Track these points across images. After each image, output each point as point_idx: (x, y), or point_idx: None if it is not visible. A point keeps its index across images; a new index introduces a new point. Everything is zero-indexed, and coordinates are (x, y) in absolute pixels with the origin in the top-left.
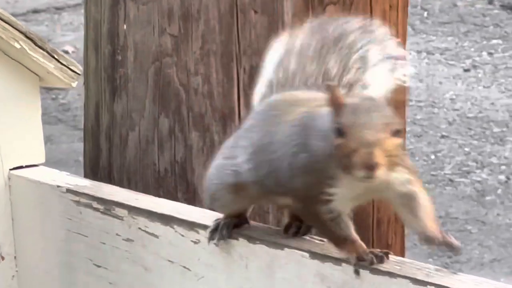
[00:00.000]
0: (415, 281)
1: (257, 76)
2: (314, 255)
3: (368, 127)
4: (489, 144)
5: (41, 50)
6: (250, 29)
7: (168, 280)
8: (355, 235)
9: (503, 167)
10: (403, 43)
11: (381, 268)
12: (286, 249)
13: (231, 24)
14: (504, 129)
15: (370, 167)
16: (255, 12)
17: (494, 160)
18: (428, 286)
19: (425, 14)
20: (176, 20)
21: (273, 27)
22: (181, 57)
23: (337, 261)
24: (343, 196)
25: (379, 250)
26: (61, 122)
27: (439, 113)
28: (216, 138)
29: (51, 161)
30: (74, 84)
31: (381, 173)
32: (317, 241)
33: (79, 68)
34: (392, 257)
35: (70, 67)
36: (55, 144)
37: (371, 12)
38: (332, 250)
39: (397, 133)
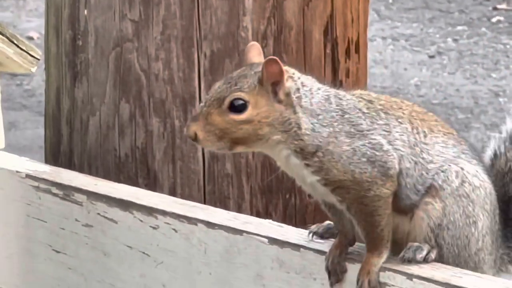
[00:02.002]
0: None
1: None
2: (273, 240)
3: (203, 100)
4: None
5: (0, 36)
6: (211, 14)
7: (127, 265)
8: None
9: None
10: (364, 29)
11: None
12: (245, 234)
13: (192, 9)
14: (469, 115)
15: (188, 137)
16: None
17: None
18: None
19: (391, 0)
20: (136, 5)
21: (234, 13)
22: (142, 42)
23: (296, 246)
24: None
25: None
26: (25, 108)
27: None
28: (177, 124)
29: (16, 147)
30: (33, 69)
31: (203, 143)
32: (276, 227)
33: (39, 53)
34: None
35: (30, 52)
36: (20, 130)
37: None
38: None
39: (235, 107)
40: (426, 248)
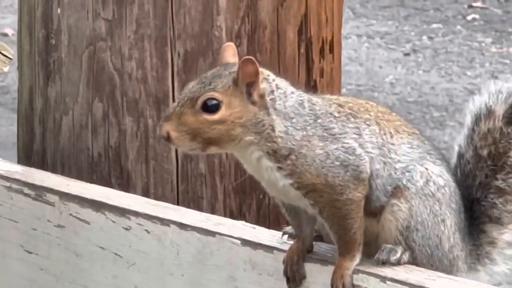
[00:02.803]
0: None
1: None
2: (245, 242)
3: (177, 99)
4: (429, 128)
5: None
6: (184, 13)
7: (99, 266)
8: None
9: (442, 151)
10: (339, 29)
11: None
12: (217, 236)
13: (166, 8)
14: (444, 113)
15: (160, 137)
16: None
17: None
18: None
19: None
20: (110, 4)
21: (208, 11)
22: (115, 42)
23: (268, 248)
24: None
25: None
26: (0, 105)
27: (379, 97)
28: (150, 123)
29: None
30: (6, 69)
31: (175, 143)
32: (249, 228)
33: (11, 53)
34: None
35: (2, 52)
36: None
37: None
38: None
39: (208, 107)
40: (400, 250)
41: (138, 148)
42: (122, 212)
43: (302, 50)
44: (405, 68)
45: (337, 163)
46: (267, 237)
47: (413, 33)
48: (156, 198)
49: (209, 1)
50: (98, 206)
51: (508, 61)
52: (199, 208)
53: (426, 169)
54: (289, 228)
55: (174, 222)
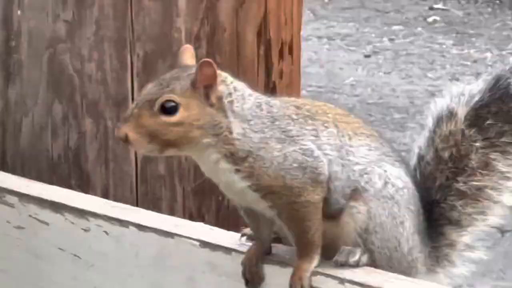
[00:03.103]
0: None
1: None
2: (204, 244)
3: (135, 101)
4: (389, 130)
5: None
6: (144, 15)
7: (59, 268)
8: None
9: (403, 153)
10: (298, 31)
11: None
12: (176, 237)
13: (125, 10)
14: (404, 115)
15: (118, 139)
16: None
17: (394, 146)
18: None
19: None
20: (70, 6)
21: (167, 13)
22: (75, 43)
23: (227, 250)
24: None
25: None
26: None
27: (339, 98)
28: (109, 125)
29: None
30: None
31: (134, 145)
32: (208, 230)
33: None
34: None
35: None
36: None
37: (265, 0)
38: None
39: (166, 109)
40: (358, 251)
41: (97, 149)
42: (81, 213)
43: (262, 52)
44: (366, 70)
45: (295, 165)
46: (226, 238)
47: (373, 35)
48: (116, 199)
49: (169, 3)
50: (58, 207)
51: (469, 63)
52: (158, 209)
53: (385, 171)
54: (247, 230)
55: (133, 224)
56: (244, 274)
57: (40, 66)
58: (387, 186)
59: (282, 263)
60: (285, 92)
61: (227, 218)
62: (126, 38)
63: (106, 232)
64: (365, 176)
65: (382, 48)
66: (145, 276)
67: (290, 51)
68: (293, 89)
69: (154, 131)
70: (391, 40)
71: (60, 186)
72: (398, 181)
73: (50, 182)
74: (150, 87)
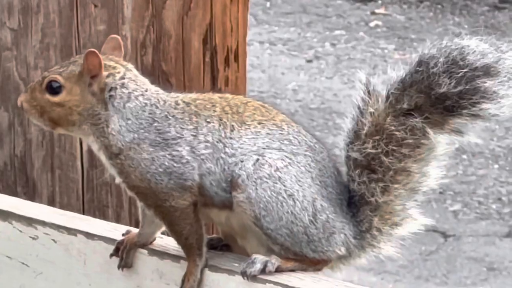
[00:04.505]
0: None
1: None
2: (152, 252)
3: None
4: (332, 135)
5: None
6: (89, 22)
7: (6, 276)
8: None
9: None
10: (244, 38)
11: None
12: None
13: (71, 18)
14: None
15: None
16: (95, 6)
17: (337, 151)
18: (267, 284)
19: (268, 4)
20: (15, 14)
21: (113, 21)
22: (21, 51)
23: (176, 258)
24: None
25: None
26: None
27: (281, 104)
28: (56, 133)
29: None
30: None
31: (27, 114)
32: (156, 238)
33: None
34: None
35: None
36: None
37: (211, 7)
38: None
39: (51, 89)
40: (259, 261)
41: (43, 157)
42: (29, 221)
43: (207, 59)
44: (308, 75)
45: (161, 169)
46: (174, 247)
47: (315, 40)
48: (62, 207)
49: (114, 10)
50: (5, 215)
51: None
52: (104, 216)
53: (262, 155)
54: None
55: (81, 232)
56: (115, 251)
57: None
58: (262, 168)
59: (230, 271)
60: None
61: None
62: (71, 45)
63: (54, 240)
64: (239, 164)
65: (324, 53)
66: (93, 284)
67: (236, 58)
68: (239, 95)
69: (41, 107)
70: (333, 45)
71: (6, 193)
72: (279, 161)
73: None
74: (55, 66)
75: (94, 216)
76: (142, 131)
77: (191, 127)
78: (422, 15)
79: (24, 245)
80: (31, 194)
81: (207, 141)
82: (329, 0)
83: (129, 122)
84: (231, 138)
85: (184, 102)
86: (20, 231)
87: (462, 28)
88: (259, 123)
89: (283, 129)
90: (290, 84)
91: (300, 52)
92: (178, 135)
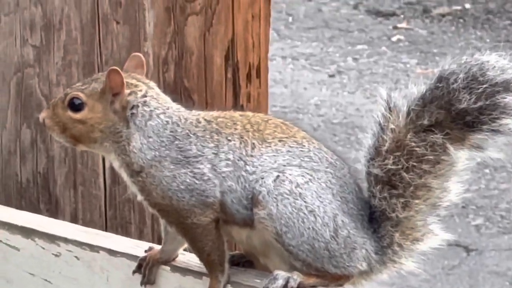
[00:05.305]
0: None
1: None
2: (175, 268)
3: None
4: (354, 150)
5: None
6: (111, 39)
7: None
8: None
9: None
10: (266, 54)
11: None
12: None
13: (93, 35)
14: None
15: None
16: (117, 22)
17: (359, 166)
18: None
19: (290, 19)
20: (38, 31)
21: (135, 38)
22: (43, 68)
23: (198, 274)
24: None
25: None
26: None
27: (304, 119)
28: (78, 149)
29: None
30: None
31: (49, 130)
32: (179, 254)
33: None
34: None
35: None
36: None
37: (233, 23)
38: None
39: (73, 105)
40: (281, 278)
41: (66, 174)
42: (52, 238)
43: (229, 75)
44: (330, 90)
45: (182, 187)
46: (196, 263)
47: (337, 55)
48: (85, 223)
49: (136, 27)
50: (28, 232)
51: None
52: (127, 233)
53: (283, 172)
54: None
55: (104, 249)
56: (138, 268)
57: (8, 90)
58: (283, 184)
59: (253, 287)
60: None
61: None
62: (94, 62)
63: (77, 257)
64: (260, 181)
65: (346, 68)
66: None
67: (258, 74)
68: (261, 111)
69: (63, 123)
70: (355, 59)
71: (29, 210)
72: (299, 178)
73: (19, 206)
74: (77, 83)
75: (117, 232)
76: (164, 148)
77: (212, 145)
78: (444, 30)
79: (47, 262)
80: (53, 211)
81: (228, 159)
82: (351, 15)
83: (151, 140)
84: (252, 156)
85: (205, 120)
86: (43, 248)
87: (484, 42)
88: (280, 141)
89: (304, 146)
90: (312, 99)
91: (323, 67)
92: (199, 153)
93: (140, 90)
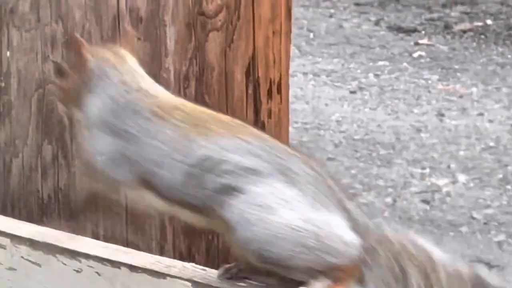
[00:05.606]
0: None
1: None
2: (196, 284)
3: None
4: (376, 166)
5: None
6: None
7: None
8: None
9: (389, 190)
10: (287, 70)
11: None
12: (168, 278)
13: None
14: (391, 151)
15: None
16: (138, 38)
17: (380, 182)
18: None
19: (311, 35)
20: (59, 47)
21: (156, 54)
22: None
23: None
24: None
25: None
26: None
27: (325, 135)
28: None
29: None
30: None
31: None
32: (199, 270)
33: None
34: None
35: None
36: None
37: (254, 39)
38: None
39: (61, 72)
40: None
41: (87, 189)
42: (73, 254)
43: (250, 91)
44: (351, 106)
45: None
46: (217, 279)
47: (359, 71)
48: (106, 239)
49: (157, 43)
50: (49, 248)
51: (455, 98)
52: (148, 249)
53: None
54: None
55: (125, 264)
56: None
57: (29, 107)
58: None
59: None
60: (273, 131)
61: (216, 257)
62: None
63: (98, 273)
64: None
65: (368, 84)
66: None
67: (279, 90)
68: (281, 127)
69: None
70: (376, 75)
71: (50, 227)
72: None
73: (40, 223)
74: None
75: (138, 249)
76: None
77: None
78: (465, 46)
79: (68, 278)
80: (74, 227)
81: None
82: (373, 31)
83: None
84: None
85: None
86: (64, 264)
87: (506, 58)
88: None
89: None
90: (333, 115)
91: (344, 83)
92: None
93: None
